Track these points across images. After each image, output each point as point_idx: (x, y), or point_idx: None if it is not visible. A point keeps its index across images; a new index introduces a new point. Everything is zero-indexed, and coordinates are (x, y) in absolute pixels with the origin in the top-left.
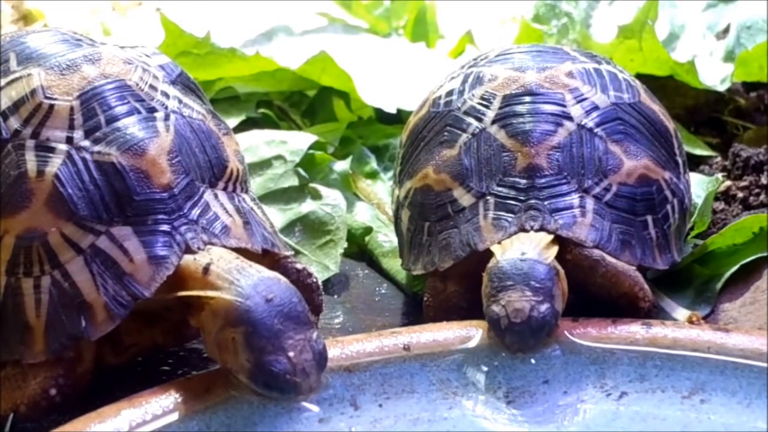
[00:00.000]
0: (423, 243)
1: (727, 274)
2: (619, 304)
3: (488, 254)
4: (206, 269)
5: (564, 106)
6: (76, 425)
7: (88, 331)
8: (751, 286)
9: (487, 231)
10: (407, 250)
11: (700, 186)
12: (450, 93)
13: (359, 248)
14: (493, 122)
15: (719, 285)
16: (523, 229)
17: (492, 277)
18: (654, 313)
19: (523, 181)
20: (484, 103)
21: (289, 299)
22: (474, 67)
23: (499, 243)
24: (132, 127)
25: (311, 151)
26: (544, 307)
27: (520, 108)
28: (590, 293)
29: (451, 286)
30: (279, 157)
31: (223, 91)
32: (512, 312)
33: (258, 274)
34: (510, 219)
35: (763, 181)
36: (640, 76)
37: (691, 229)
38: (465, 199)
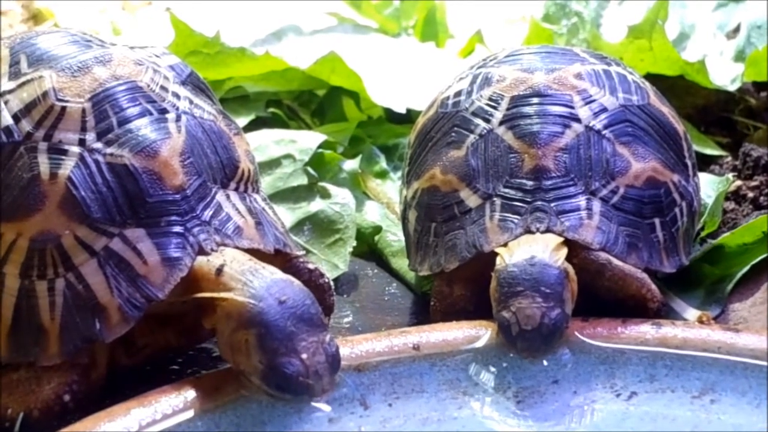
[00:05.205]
0: (429, 244)
1: (738, 275)
2: (628, 306)
3: (494, 257)
4: (219, 270)
5: (572, 107)
6: (85, 424)
7: (102, 333)
8: (762, 285)
9: (492, 232)
10: (414, 251)
11: (710, 186)
12: (458, 94)
13: (368, 247)
14: (501, 123)
15: (730, 286)
16: (529, 231)
17: (501, 282)
18: (664, 313)
19: (530, 183)
20: (492, 104)
21: (302, 301)
22: (483, 68)
23: (505, 245)
24: (144, 128)
25: (321, 151)
26: (554, 313)
27: (527, 109)
28: (598, 295)
29: (458, 290)
30: (288, 156)
31: (233, 91)
32: (523, 319)
33: (271, 276)
34: (516, 221)
35: None
36: (650, 76)
37: (702, 229)
38: (471, 200)
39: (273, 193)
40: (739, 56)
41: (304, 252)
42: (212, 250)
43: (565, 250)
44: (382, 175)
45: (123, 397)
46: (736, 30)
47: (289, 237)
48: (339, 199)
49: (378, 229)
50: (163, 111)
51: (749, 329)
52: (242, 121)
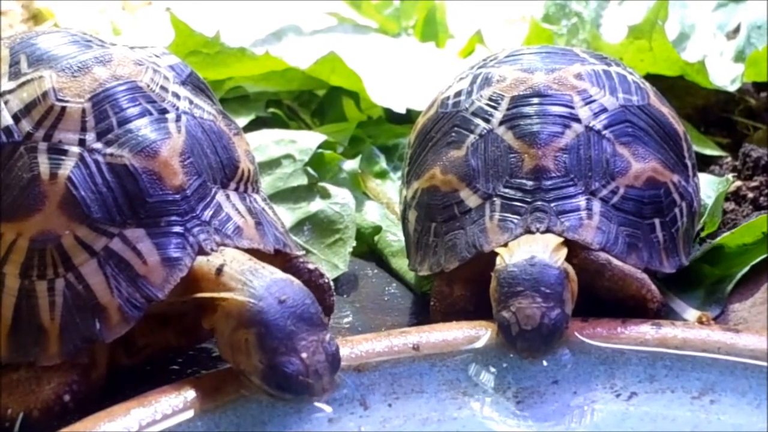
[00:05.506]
0: (429, 244)
1: (738, 275)
2: (627, 306)
3: (494, 257)
4: (219, 270)
5: (572, 107)
6: (85, 424)
7: (102, 333)
8: (762, 286)
9: (492, 232)
10: (414, 251)
11: (710, 186)
12: (458, 94)
13: (368, 248)
14: (501, 123)
15: (730, 286)
16: (529, 231)
17: (501, 282)
18: (664, 313)
19: (530, 183)
20: (492, 104)
21: (302, 301)
22: (483, 68)
23: (505, 245)
24: (144, 128)
25: (320, 151)
26: (554, 313)
27: (527, 109)
28: (598, 295)
29: (457, 290)
30: (288, 156)
31: (233, 91)
32: (523, 319)
33: (271, 275)
34: (516, 221)
35: None
36: (650, 77)
37: (702, 229)
38: (471, 200)
39: (273, 193)
40: (739, 56)
41: (304, 252)
42: (212, 250)
43: (564, 251)
44: (382, 175)
45: (123, 397)
46: (736, 30)
47: (289, 237)
48: (339, 199)
49: (378, 229)
50: (163, 111)
51: (749, 330)
52: (242, 121)
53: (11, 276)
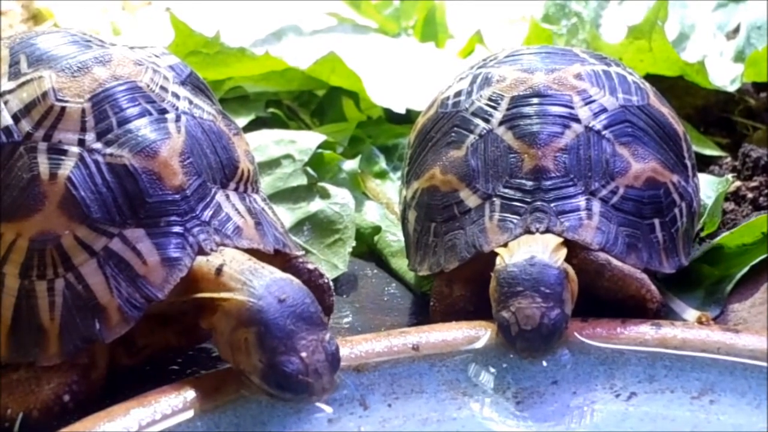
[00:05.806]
0: (429, 244)
1: (738, 276)
2: (627, 306)
3: (494, 257)
4: (219, 270)
5: (572, 108)
6: (85, 424)
7: (102, 333)
8: (761, 286)
9: (492, 232)
10: (413, 251)
11: (710, 186)
12: (458, 94)
13: (368, 248)
14: (501, 123)
15: (730, 286)
16: (529, 231)
17: (501, 282)
18: (663, 313)
19: (530, 183)
20: (492, 104)
21: (302, 300)
22: (483, 68)
23: (505, 245)
24: (144, 128)
25: (320, 151)
26: (554, 313)
27: (527, 109)
28: (597, 296)
29: (457, 290)
30: (288, 157)
31: (233, 91)
32: (522, 319)
33: (271, 275)
34: (515, 221)
35: None
36: (649, 77)
37: (701, 229)
38: (471, 200)
39: (273, 193)
40: (739, 57)
41: (303, 252)
42: (212, 250)
43: (564, 251)
44: (382, 175)
45: (123, 397)
46: (736, 30)
47: (288, 237)
48: (338, 199)
49: (377, 230)
50: (163, 111)
51: (749, 330)
52: (242, 121)
53: (11, 276)
